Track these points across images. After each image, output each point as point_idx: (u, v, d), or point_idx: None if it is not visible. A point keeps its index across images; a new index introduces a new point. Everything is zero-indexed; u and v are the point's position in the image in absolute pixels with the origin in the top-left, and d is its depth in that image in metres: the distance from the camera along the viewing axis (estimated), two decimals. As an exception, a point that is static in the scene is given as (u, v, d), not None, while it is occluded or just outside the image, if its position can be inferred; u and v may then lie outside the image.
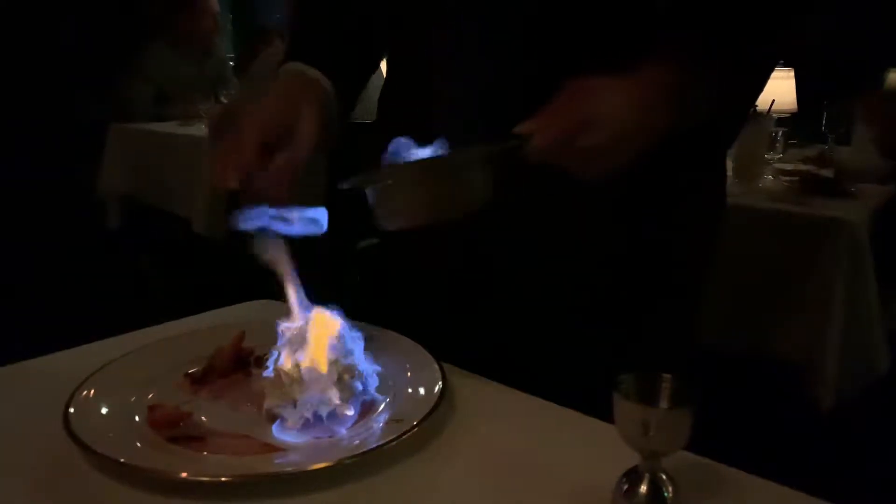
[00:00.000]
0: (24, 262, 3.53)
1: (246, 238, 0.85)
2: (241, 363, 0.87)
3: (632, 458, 0.61)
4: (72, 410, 0.74)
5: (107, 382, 0.81)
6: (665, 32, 0.84)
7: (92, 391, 0.78)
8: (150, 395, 0.81)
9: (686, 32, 0.86)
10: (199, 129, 3.40)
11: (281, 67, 1.00)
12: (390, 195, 0.83)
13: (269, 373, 0.78)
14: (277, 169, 0.88)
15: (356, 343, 0.81)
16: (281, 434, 0.74)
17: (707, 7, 0.86)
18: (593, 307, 0.98)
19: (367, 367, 0.83)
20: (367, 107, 3.15)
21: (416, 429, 0.72)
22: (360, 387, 0.79)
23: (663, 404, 0.60)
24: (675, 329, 1.05)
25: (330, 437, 0.74)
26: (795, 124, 3.05)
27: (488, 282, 1.00)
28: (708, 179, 1.06)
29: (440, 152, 0.81)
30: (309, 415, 0.75)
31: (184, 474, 0.66)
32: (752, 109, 2.51)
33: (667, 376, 0.61)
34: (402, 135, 0.83)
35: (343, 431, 0.75)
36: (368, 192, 0.83)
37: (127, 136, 3.64)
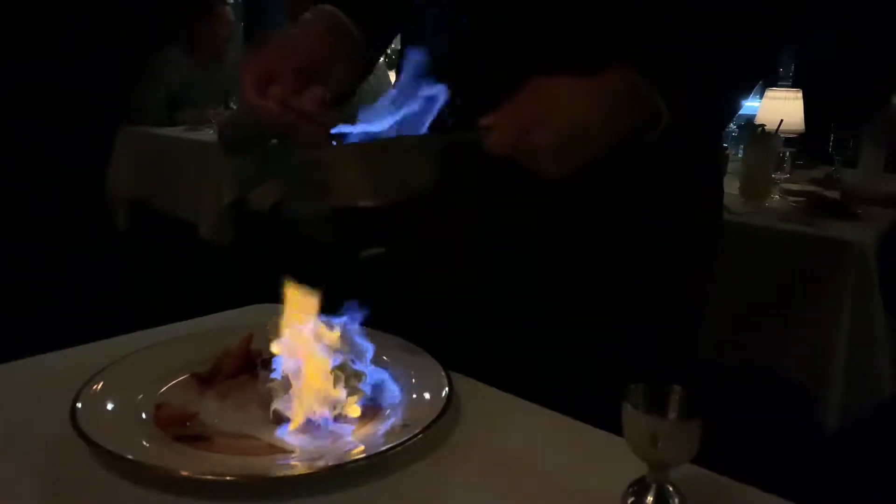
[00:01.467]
0: (35, 262, 3.53)
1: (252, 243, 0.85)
2: (249, 365, 0.87)
3: (639, 469, 0.61)
4: (79, 406, 0.74)
5: (114, 380, 0.81)
6: (641, 38, 0.84)
7: (99, 388, 0.79)
8: (158, 394, 0.81)
9: (663, 39, 0.85)
10: (208, 135, 3.41)
11: (312, 8, 0.99)
12: (334, 171, 0.84)
13: (276, 374, 0.78)
14: (313, 98, 0.85)
15: (363, 348, 0.81)
16: (287, 436, 0.74)
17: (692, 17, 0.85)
18: (597, 314, 0.98)
19: (374, 372, 0.83)
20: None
21: (422, 434, 0.72)
22: (366, 391, 0.79)
23: (672, 415, 0.60)
24: (673, 340, 1.05)
25: (336, 440, 0.74)
26: (803, 145, 3.05)
27: (496, 289, 1.00)
28: (703, 190, 1.06)
29: (392, 134, 0.82)
30: (315, 417, 0.75)
31: (189, 473, 0.66)
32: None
33: (676, 387, 0.61)
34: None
35: (349, 435, 0.75)
36: (318, 166, 0.85)
37: (135, 139, 3.65)
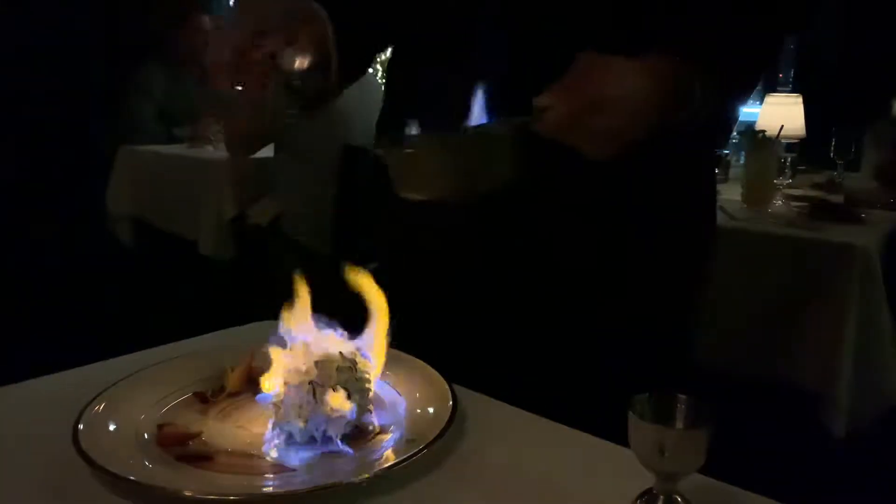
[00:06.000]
0: (33, 281, 3.54)
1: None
2: (251, 383, 0.86)
3: (646, 480, 0.61)
4: (81, 427, 0.73)
5: (116, 400, 0.80)
6: (666, 29, 0.85)
7: (101, 408, 0.78)
8: (160, 414, 0.80)
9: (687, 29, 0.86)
10: (207, 152, 3.41)
11: None
12: (412, 164, 0.82)
13: (277, 391, 0.77)
14: (263, 55, 0.85)
15: (368, 363, 0.81)
16: (290, 454, 0.74)
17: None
18: (599, 323, 0.97)
19: (379, 387, 0.82)
20: (366, 130, 3.18)
21: (426, 449, 0.71)
22: (370, 407, 0.79)
23: (679, 425, 0.60)
24: (675, 346, 1.05)
25: (339, 457, 0.73)
26: (804, 150, 3.05)
27: (498, 302, 1.00)
28: (697, 190, 1.06)
29: (463, 128, 0.81)
30: (318, 434, 0.74)
31: (192, 493, 0.65)
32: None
33: (683, 397, 0.61)
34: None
35: (353, 451, 0.74)
36: (390, 160, 0.83)
37: (134, 157, 3.65)
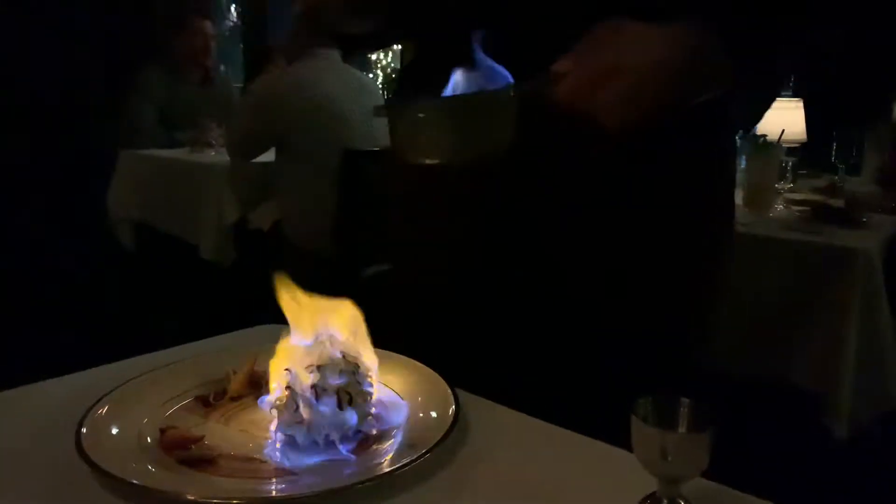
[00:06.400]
0: (36, 285, 3.54)
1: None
2: (254, 387, 0.86)
3: (649, 484, 0.61)
4: (84, 431, 0.73)
5: (119, 404, 0.80)
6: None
7: (104, 412, 0.78)
8: (162, 418, 0.80)
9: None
10: (208, 156, 3.42)
11: None
12: (418, 129, 0.82)
13: (279, 395, 0.77)
14: None
15: (370, 367, 0.81)
16: (292, 458, 0.74)
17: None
18: (604, 325, 0.97)
19: (381, 391, 0.82)
20: (371, 134, 3.19)
21: (429, 454, 0.71)
22: (372, 411, 0.79)
23: (681, 428, 0.60)
24: (679, 350, 1.04)
25: (341, 461, 0.73)
26: (805, 154, 3.05)
27: (500, 305, 1.00)
28: (712, 185, 1.03)
29: (468, 91, 0.79)
30: (320, 439, 0.74)
31: (194, 497, 0.65)
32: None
33: (685, 400, 0.61)
34: None
35: (354, 456, 0.74)
36: (397, 126, 0.83)
37: (136, 161, 3.66)
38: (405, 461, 0.70)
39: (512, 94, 0.79)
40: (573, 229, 0.96)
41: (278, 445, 0.75)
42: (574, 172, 0.93)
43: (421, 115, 0.82)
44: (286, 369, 0.78)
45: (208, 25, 4.01)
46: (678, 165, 0.94)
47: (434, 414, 0.80)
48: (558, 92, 0.76)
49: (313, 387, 0.75)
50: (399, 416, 0.81)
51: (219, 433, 0.78)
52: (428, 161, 0.83)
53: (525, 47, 0.81)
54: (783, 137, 2.61)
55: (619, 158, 0.90)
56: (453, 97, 0.80)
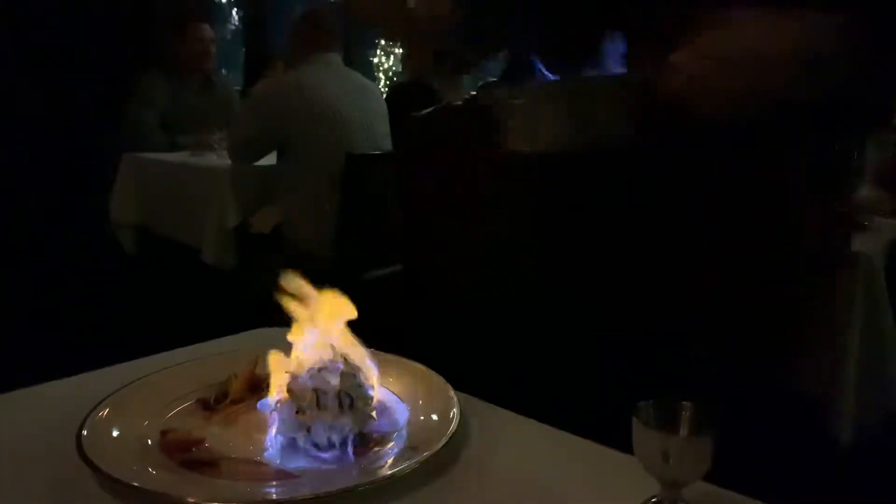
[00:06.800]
0: (38, 288, 3.54)
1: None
2: (255, 389, 0.86)
3: (651, 488, 0.61)
4: (85, 433, 0.73)
5: (120, 406, 0.80)
6: None
7: (105, 414, 0.78)
8: (163, 420, 0.80)
9: None
10: (210, 160, 3.42)
11: None
12: (527, 114, 0.78)
13: (280, 398, 0.77)
14: None
15: (371, 370, 0.81)
16: (294, 460, 0.74)
17: None
18: (602, 329, 0.97)
19: (382, 394, 0.82)
20: (373, 138, 3.18)
21: (430, 457, 0.71)
22: (374, 413, 0.78)
23: (683, 432, 0.60)
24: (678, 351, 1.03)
25: (342, 464, 0.73)
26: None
27: (503, 309, 0.99)
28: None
29: (576, 77, 0.77)
30: (322, 441, 0.74)
31: (195, 500, 0.65)
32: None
33: (687, 404, 0.61)
34: None
35: (356, 458, 0.74)
36: (497, 112, 0.79)
37: (138, 165, 3.66)
38: (406, 464, 0.70)
39: (626, 82, 0.76)
40: (689, 228, 0.90)
41: (279, 448, 0.75)
42: (688, 169, 0.87)
43: (531, 97, 0.78)
44: (287, 372, 0.78)
45: (207, 30, 4.02)
46: (801, 167, 0.89)
47: (435, 416, 0.80)
48: (674, 83, 0.73)
49: (314, 390, 0.75)
50: (400, 419, 0.81)
51: (220, 436, 0.78)
52: (528, 148, 0.78)
53: (638, 36, 0.78)
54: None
55: (736, 156, 0.85)
56: (569, 80, 0.77)
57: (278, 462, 0.73)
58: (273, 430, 0.77)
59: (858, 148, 2.83)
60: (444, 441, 0.74)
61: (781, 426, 1.07)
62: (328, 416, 0.74)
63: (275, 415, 0.77)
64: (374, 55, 6.19)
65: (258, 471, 0.72)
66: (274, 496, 0.68)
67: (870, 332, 1.96)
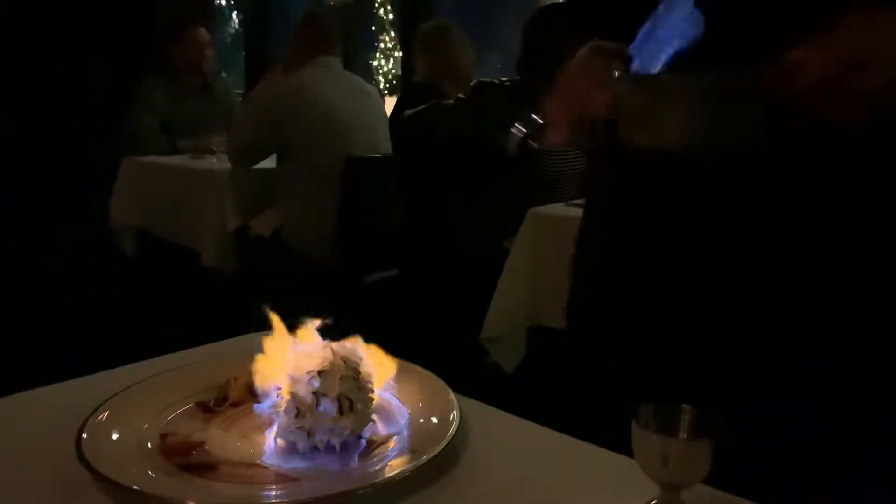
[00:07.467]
0: (37, 291, 3.54)
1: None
2: (254, 392, 0.86)
3: (650, 491, 0.61)
4: (85, 437, 0.73)
5: (119, 410, 0.80)
6: None
7: (105, 418, 0.78)
8: (163, 423, 0.80)
9: None
10: (210, 163, 3.42)
11: None
12: (651, 109, 0.74)
13: (280, 401, 0.77)
14: None
15: (370, 372, 0.80)
16: (293, 463, 0.73)
17: None
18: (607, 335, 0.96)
19: (381, 397, 0.82)
20: (373, 142, 3.18)
21: (430, 460, 0.71)
22: (373, 416, 0.78)
23: (683, 435, 0.60)
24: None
25: (342, 467, 0.73)
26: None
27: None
28: None
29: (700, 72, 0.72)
30: (321, 444, 0.74)
31: (195, 503, 0.65)
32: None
33: (686, 407, 0.61)
34: None
35: (355, 462, 0.74)
36: (623, 103, 0.75)
37: (138, 169, 3.66)
38: (406, 467, 0.70)
39: (749, 78, 0.71)
40: (815, 236, 0.84)
41: (279, 451, 0.75)
42: (812, 171, 0.81)
43: (663, 89, 0.74)
44: (287, 375, 0.78)
45: (204, 33, 4.02)
46: None
47: (435, 419, 0.80)
48: (798, 82, 0.70)
49: (314, 392, 0.75)
50: (400, 421, 0.81)
51: (220, 439, 0.78)
52: (652, 144, 0.75)
53: (761, 32, 0.74)
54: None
55: (865, 159, 0.80)
56: (704, 75, 0.71)
57: (278, 465, 0.73)
58: (273, 433, 0.77)
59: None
60: (444, 444, 0.73)
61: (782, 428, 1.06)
62: (328, 419, 0.74)
63: (274, 418, 0.77)
64: (374, 59, 6.20)
65: (258, 474, 0.72)
66: (274, 499, 0.69)
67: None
